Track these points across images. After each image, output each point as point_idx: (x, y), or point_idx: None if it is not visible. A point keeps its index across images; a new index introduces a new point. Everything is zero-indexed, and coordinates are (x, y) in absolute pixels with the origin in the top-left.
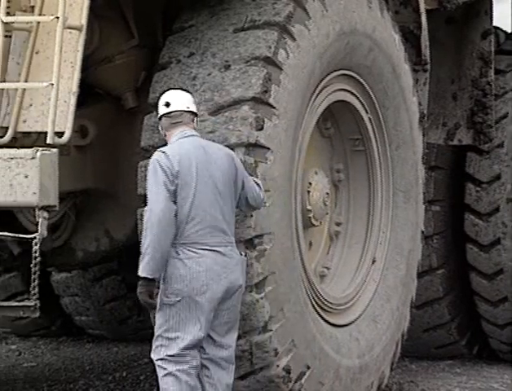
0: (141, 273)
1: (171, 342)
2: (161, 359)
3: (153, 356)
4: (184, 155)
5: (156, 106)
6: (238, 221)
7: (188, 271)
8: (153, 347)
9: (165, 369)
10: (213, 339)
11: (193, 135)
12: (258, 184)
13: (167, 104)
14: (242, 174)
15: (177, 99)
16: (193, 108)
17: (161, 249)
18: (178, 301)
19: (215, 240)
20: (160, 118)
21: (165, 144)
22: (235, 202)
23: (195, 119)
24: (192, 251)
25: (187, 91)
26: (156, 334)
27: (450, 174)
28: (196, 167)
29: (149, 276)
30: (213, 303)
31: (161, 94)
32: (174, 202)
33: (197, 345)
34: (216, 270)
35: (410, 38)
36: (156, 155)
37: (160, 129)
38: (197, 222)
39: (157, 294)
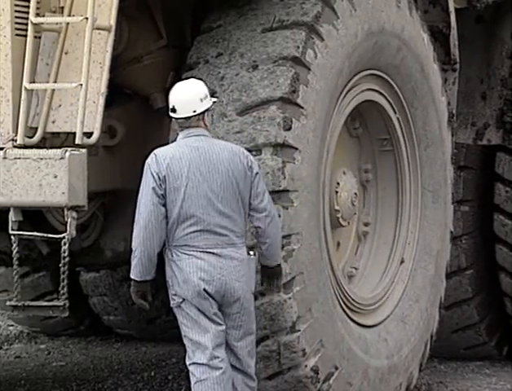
0: (131, 275)
1: (198, 346)
2: (192, 364)
3: (186, 359)
4: (176, 158)
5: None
6: None
7: (181, 273)
8: (186, 348)
9: (195, 376)
10: (227, 343)
11: (198, 135)
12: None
13: (173, 110)
14: (254, 178)
15: (183, 105)
16: (200, 109)
17: (148, 253)
18: (182, 302)
19: (208, 243)
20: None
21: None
22: (242, 203)
23: (205, 115)
24: (183, 253)
25: (197, 82)
26: (182, 334)
27: (479, 174)
28: (187, 170)
29: (137, 279)
30: (210, 301)
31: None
32: (164, 205)
33: (222, 343)
34: (209, 270)
35: (439, 38)
36: (149, 158)
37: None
38: (187, 226)
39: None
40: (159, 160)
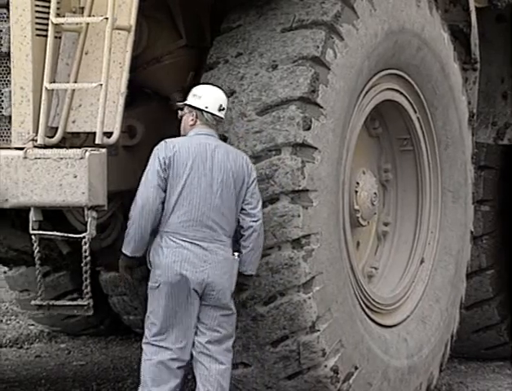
0: (123, 249)
1: (155, 329)
2: (146, 343)
3: (143, 339)
4: (184, 148)
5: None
6: (285, 221)
7: (165, 260)
8: (145, 327)
9: (146, 354)
10: (198, 331)
11: (207, 134)
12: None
13: (221, 108)
14: (250, 185)
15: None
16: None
17: (142, 232)
18: (158, 287)
19: (198, 235)
20: (200, 110)
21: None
22: (236, 205)
23: None
24: (172, 240)
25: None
26: (146, 313)
27: (500, 174)
28: (192, 161)
29: (128, 254)
30: (186, 293)
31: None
32: (165, 190)
33: (178, 338)
34: (193, 261)
35: (459, 37)
36: (159, 144)
37: (188, 117)
38: (181, 214)
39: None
40: (168, 146)
